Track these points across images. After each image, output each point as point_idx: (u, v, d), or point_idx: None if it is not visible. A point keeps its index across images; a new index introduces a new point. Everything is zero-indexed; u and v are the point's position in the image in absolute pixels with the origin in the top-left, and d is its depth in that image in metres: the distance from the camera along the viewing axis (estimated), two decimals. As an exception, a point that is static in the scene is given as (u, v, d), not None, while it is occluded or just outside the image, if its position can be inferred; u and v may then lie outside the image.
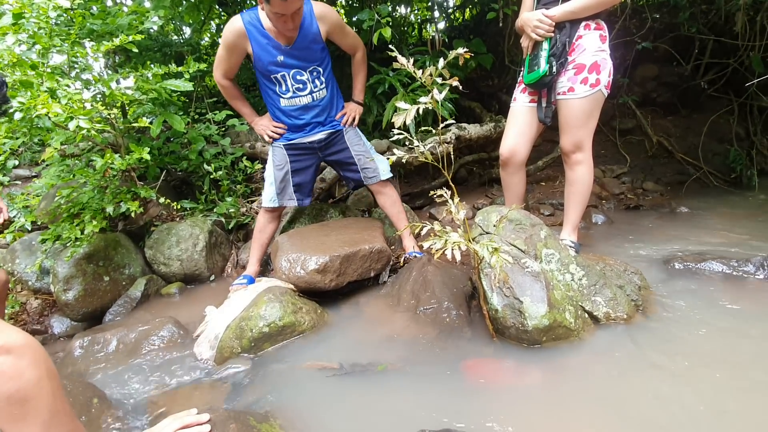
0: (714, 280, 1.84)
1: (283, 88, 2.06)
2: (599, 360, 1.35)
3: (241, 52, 2.01)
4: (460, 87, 1.37)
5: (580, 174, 1.92)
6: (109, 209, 2.17)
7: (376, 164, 2.24)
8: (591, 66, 1.74)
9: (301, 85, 2.06)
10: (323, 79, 2.10)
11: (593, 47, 1.75)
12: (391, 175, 2.29)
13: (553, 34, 1.76)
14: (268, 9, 1.79)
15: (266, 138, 2.20)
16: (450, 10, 4.71)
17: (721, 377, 1.22)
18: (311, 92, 2.09)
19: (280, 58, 1.98)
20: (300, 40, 1.97)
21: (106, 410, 1.27)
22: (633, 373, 1.27)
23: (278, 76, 2.03)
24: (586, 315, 1.53)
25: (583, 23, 1.75)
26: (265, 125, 2.18)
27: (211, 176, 2.85)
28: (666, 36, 4.11)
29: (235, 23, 1.93)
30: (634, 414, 1.11)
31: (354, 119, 2.24)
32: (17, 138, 2.26)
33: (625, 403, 1.16)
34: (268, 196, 2.26)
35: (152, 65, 2.49)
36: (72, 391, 1.30)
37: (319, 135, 2.18)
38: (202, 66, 2.54)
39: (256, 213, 2.68)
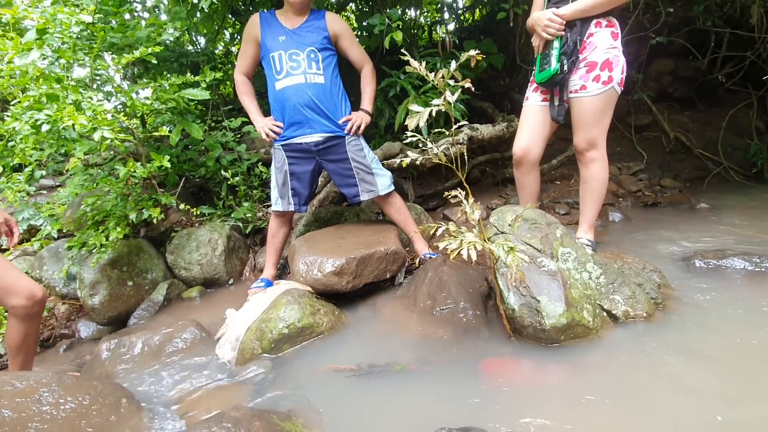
0: (736, 276, 1.81)
1: (278, 68, 2.10)
2: (619, 358, 1.34)
3: (255, 42, 2.17)
4: (473, 89, 1.38)
5: (595, 172, 1.91)
6: (132, 216, 2.24)
7: (374, 179, 2.21)
8: (603, 63, 1.74)
9: (295, 64, 2.08)
10: (320, 66, 2.11)
11: (605, 45, 1.74)
12: (391, 189, 2.25)
13: (563, 33, 1.76)
14: None
15: (264, 136, 2.20)
16: (460, 11, 4.72)
17: (743, 375, 1.20)
18: (305, 72, 2.08)
19: (282, 37, 2.11)
20: (304, 26, 2.13)
21: (135, 410, 1.31)
22: (653, 371, 1.26)
23: (275, 54, 2.10)
24: (605, 313, 1.53)
25: (594, 21, 1.75)
26: (264, 123, 2.20)
27: (228, 182, 2.91)
28: (681, 30, 4.04)
29: (254, 16, 2.19)
30: (654, 412, 1.11)
31: (359, 127, 2.20)
32: (43, 149, 2.34)
33: (645, 401, 1.15)
34: (273, 199, 2.29)
35: (169, 75, 2.56)
36: (102, 391, 1.34)
37: (317, 137, 2.15)
38: (218, 75, 2.60)
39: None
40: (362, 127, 2.22)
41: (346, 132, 2.18)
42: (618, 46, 1.77)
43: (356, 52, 2.25)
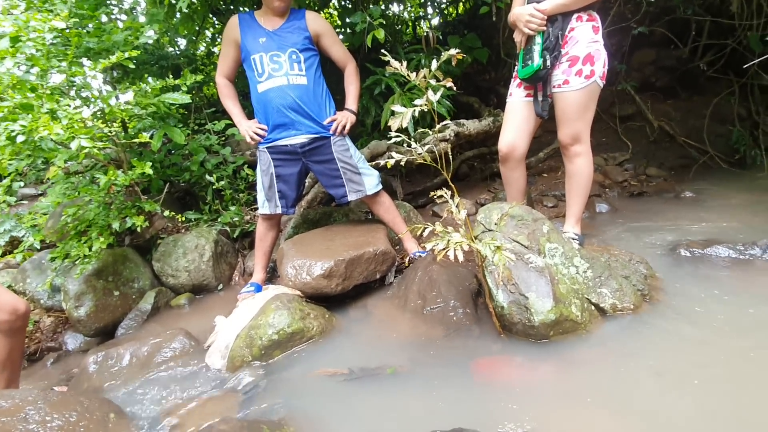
0: (720, 264, 1.84)
1: (260, 70, 2.08)
2: (608, 352, 1.35)
3: (235, 44, 2.14)
4: (455, 88, 1.37)
5: (580, 166, 1.92)
6: (115, 225, 2.20)
7: (362, 179, 2.20)
8: (585, 58, 1.74)
9: (276, 66, 2.06)
10: (302, 67, 2.09)
11: (586, 39, 1.74)
12: (379, 188, 2.24)
13: (545, 28, 1.76)
14: None
15: (248, 139, 2.17)
16: (443, 6, 4.70)
17: (730, 362, 1.22)
18: (287, 74, 2.06)
19: (262, 39, 2.08)
20: (284, 26, 2.11)
21: (124, 426, 1.29)
22: (641, 364, 1.28)
23: (256, 57, 2.07)
24: (593, 307, 1.54)
25: (575, 15, 1.75)
26: (248, 126, 2.16)
27: (214, 186, 2.87)
28: (662, 19, 4.07)
29: (232, 18, 2.15)
30: (644, 404, 1.12)
31: (345, 127, 2.18)
32: (21, 159, 2.28)
33: (634, 395, 1.16)
34: (260, 202, 2.27)
35: (150, 79, 2.50)
36: (89, 407, 1.32)
37: (302, 138, 2.13)
38: (199, 78, 2.56)
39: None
40: (347, 127, 2.20)
41: (331, 132, 2.15)
42: (599, 39, 1.77)
43: (338, 51, 2.23)
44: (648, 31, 3.84)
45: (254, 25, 2.11)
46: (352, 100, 2.25)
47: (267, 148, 2.17)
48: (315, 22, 2.15)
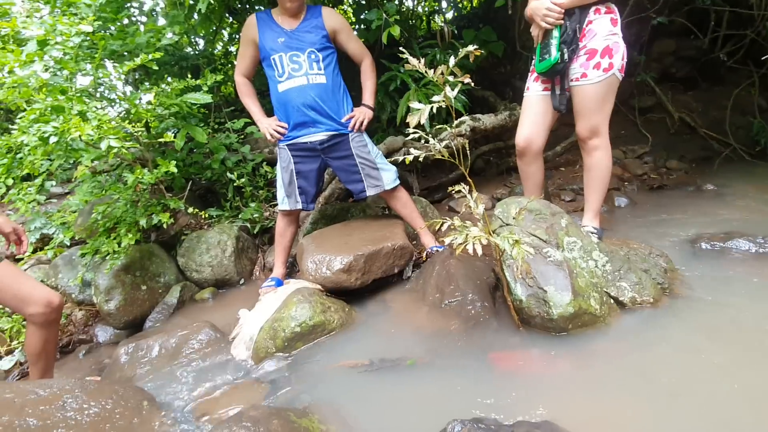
0: (742, 258, 1.82)
1: (280, 70, 2.12)
2: (627, 344, 1.36)
3: (253, 43, 2.15)
4: (472, 84, 1.39)
5: (598, 159, 1.91)
6: (142, 222, 2.28)
7: (380, 174, 2.22)
8: (603, 50, 1.73)
9: (296, 66, 2.10)
10: (321, 66, 2.12)
11: (604, 31, 1.73)
12: (397, 183, 2.27)
13: (563, 22, 1.75)
14: None
15: (268, 137, 2.21)
16: None
17: (751, 356, 1.22)
18: (306, 74, 2.10)
19: (281, 39, 2.10)
20: (302, 26, 2.13)
21: (157, 412, 1.35)
22: (661, 357, 1.28)
23: (276, 57, 2.10)
24: (612, 301, 1.54)
25: (593, 8, 1.74)
26: (268, 124, 2.20)
27: (234, 183, 2.94)
28: (681, 9, 3.98)
29: (250, 17, 2.17)
30: (663, 397, 1.13)
31: (362, 123, 2.21)
32: (53, 160, 2.38)
33: (653, 387, 1.17)
34: (279, 198, 2.31)
35: (170, 79, 2.57)
36: (123, 395, 1.39)
37: (321, 135, 2.17)
38: (219, 77, 2.62)
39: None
40: (365, 123, 2.23)
41: (349, 129, 2.19)
42: (617, 32, 1.76)
43: (355, 46, 2.24)
44: (667, 21, 3.76)
45: (272, 24, 2.14)
46: (369, 96, 2.28)
47: (287, 145, 2.22)
48: (331, 18, 2.17)
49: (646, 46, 4.10)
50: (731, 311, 1.44)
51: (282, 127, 2.19)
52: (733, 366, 1.19)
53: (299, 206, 2.29)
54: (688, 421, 1.05)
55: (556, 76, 1.86)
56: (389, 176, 2.24)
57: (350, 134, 2.20)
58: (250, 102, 2.28)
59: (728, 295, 1.54)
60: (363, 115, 2.22)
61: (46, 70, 2.20)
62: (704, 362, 1.22)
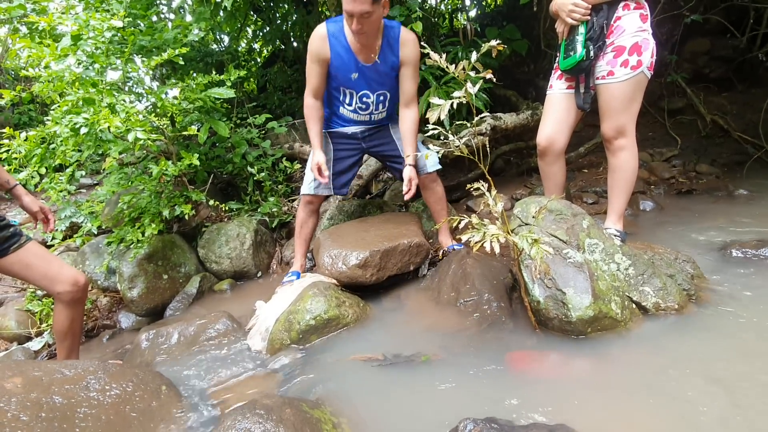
0: (775, 266, 1.74)
1: (348, 101, 2.11)
2: (647, 351, 1.32)
3: (325, 63, 1.97)
4: (494, 79, 1.37)
5: (624, 160, 1.86)
6: (165, 213, 2.34)
7: (421, 157, 2.17)
8: (632, 47, 1.68)
9: (364, 106, 2.12)
10: (387, 104, 2.15)
11: (633, 28, 1.68)
12: (440, 167, 2.23)
13: (589, 18, 1.71)
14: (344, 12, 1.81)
15: (310, 170, 2.15)
16: (481, -3, 4.62)
17: (782, 368, 1.16)
18: (371, 113, 2.16)
19: (354, 75, 1.99)
20: (379, 64, 1.98)
21: (175, 397, 1.39)
22: (683, 365, 1.24)
23: (346, 90, 2.07)
24: (634, 305, 1.50)
25: (622, 3, 1.69)
26: (318, 161, 2.05)
27: (254, 178, 2.99)
28: (717, 7, 3.83)
29: (319, 29, 1.95)
30: (683, 407, 1.09)
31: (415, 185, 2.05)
32: (82, 151, 2.46)
33: (673, 396, 1.13)
34: (307, 182, 2.24)
35: (195, 75, 2.63)
36: (143, 379, 1.43)
37: (362, 126, 2.22)
38: (242, 73, 2.66)
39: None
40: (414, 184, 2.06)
41: (404, 194, 2.05)
42: (647, 28, 1.71)
43: (410, 88, 2.08)
44: (702, 19, 3.62)
45: (346, 51, 1.95)
46: (411, 150, 2.07)
47: (328, 132, 2.24)
48: (407, 50, 1.99)
49: (678, 45, 3.97)
50: (761, 322, 1.38)
51: (325, 177, 2.06)
52: (756, 380, 1.14)
53: (327, 192, 2.25)
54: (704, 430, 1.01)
55: (581, 74, 1.81)
56: (432, 159, 2.21)
57: (389, 124, 2.25)
58: (314, 129, 2.10)
59: (758, 304, 1.47)
60: (415, 178, 2.06)
61: (79, 63, 2.28)
62: (728, 374, 1.17)
